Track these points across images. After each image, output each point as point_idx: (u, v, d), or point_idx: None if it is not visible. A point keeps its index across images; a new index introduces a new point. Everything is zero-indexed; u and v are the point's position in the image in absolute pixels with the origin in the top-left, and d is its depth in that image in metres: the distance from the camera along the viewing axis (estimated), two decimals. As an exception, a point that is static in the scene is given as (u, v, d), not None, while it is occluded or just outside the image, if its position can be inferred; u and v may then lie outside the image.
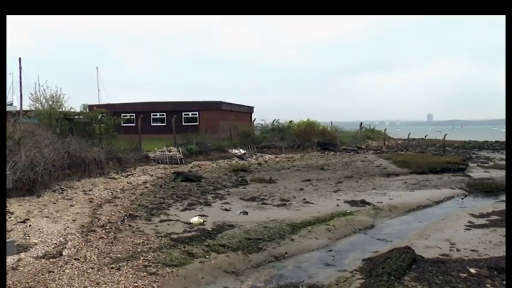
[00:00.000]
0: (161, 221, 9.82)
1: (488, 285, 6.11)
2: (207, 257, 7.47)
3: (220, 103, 39.85)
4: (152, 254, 7.40)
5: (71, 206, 11.15)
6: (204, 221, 9.83)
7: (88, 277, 6.31)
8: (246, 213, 11.03)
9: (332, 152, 31.82)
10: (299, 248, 8.57)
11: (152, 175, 17.47)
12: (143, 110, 35.18)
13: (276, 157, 27.22)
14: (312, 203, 12.56)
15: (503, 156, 31.50)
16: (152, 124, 38.50)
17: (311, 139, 32.92)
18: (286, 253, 8.23)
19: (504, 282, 6.25)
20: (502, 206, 12.78)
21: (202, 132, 28.92)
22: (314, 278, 7.03)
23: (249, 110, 47.17)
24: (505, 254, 7.68)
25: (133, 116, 34.98)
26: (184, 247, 7.80)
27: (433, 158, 27.00)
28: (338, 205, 12.36)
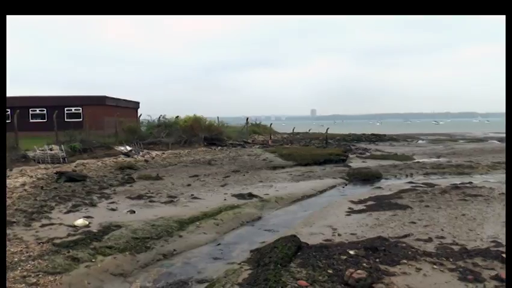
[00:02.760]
0: (42, 226, 9.24)
1: (364, 264, 6.61)
2: (93, 260, 7.20)
3: (104, 98, 38.41)
4: (32, 262, 6.93)
5: None
6: (89, 223, 9.44)
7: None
8: (133, 212, 10.78)
9: (219, 147, 32.06)
10: (187, 244, 8.60)
11: (31, 176, 16.37)
12: (20, 105, 32.72)
13: (163, 153, 26.84)
14: (200, 199, 12.63)
15: (378, 147, 34.15)
16: (31, 120, 36.10)
17: (198, 134, 32.87)
18: (174, 250, 8.22)
19: (377, 260, 6.86)
20: (377, 192, 13.94)
21: (87, 129, 27.71)
22: (203, 273, 7.10)
23: (135, 105, 46.02)
24: (377, 235, 8.40)
25: (8, 111, 32.52)
26: (68, 252, 7.42)
27: (317, 150, 28.44)
28: (225, 199, 12.55)
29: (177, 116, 36.39)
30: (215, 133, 35.00)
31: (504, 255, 6.99)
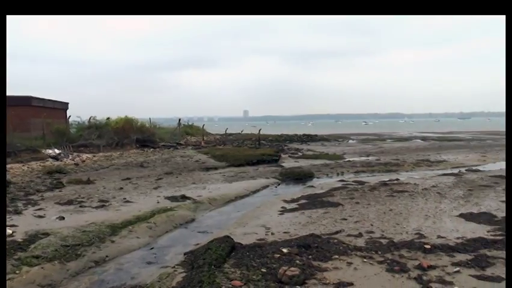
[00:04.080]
0: (-44, 238, 8.69)
1: (298, 261, 6.76)
2: (17, 272, 6.75)
3: (30, 98, 36.55)
4: None
5: None
6: (13, 232, 8.95)
7: None
8: (63, 218, 10.39)
9: (152, 149, 31.51)
10: (120, 249, 8.40)
11: None
12: None
13: (94, 156, 26.04)
14: (132, 202, 12.38)
15: (310, 147, 34.86)
16: None
17: (130, 136, 32.21)
18: (107, 256, 7.99)
19: (310, 257, 7.03)
20: (309, 191, 14.25)
21: (11, 131, 26.38)
22: (137, 278, 6.96)
23: (64, 106, 44.19)
24: (310, 232, 8.57)
25: None
26: (-12, 265, 7.00)
27: (249, 151, 28.59)
28: (158, 202, 12.37)
29: (108, 118, 35.50)
30: (147, 135, 34.45)
31: (427, 246, 7.44)
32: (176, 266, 7.05)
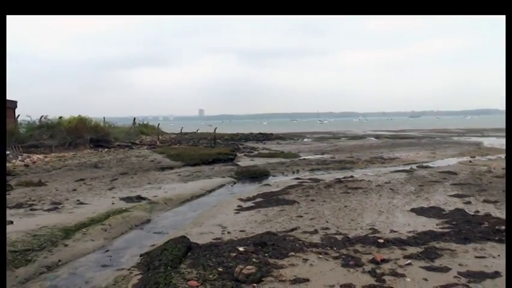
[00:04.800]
0: None
1: (254, 259, 6.80)
2: (-39, 281, 6.55)
3: (-28, 97, 35.17)
4: None
5: None
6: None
7: None
8: (11, 222, 9.99)
9: (106, 149, 30.94)
10: (73, 253, 8.19)
11: None
12: None
13: (46, 157, 25.29)
14: (86, 204, 12.07)
15: (266, 146, 35.15)
16: None
17: (83, 136, 31.46)
18: (59, 261, 7.77)
19: (266, 255, 7.09)
20: (265, 189, 14.33)
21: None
22: (91, 282, 6.81)
23: (12, 104, 42.58)
24: (266, 230, 8.63)
25: None
26: None
27: (205, 150, 28.58)
28: (113, 203, 12.12)
29: (61, 117, 34.53)
30: (101, 134, 33.76)
31: (380, 241, 7.65)
32: (132, 268, 6.95)
